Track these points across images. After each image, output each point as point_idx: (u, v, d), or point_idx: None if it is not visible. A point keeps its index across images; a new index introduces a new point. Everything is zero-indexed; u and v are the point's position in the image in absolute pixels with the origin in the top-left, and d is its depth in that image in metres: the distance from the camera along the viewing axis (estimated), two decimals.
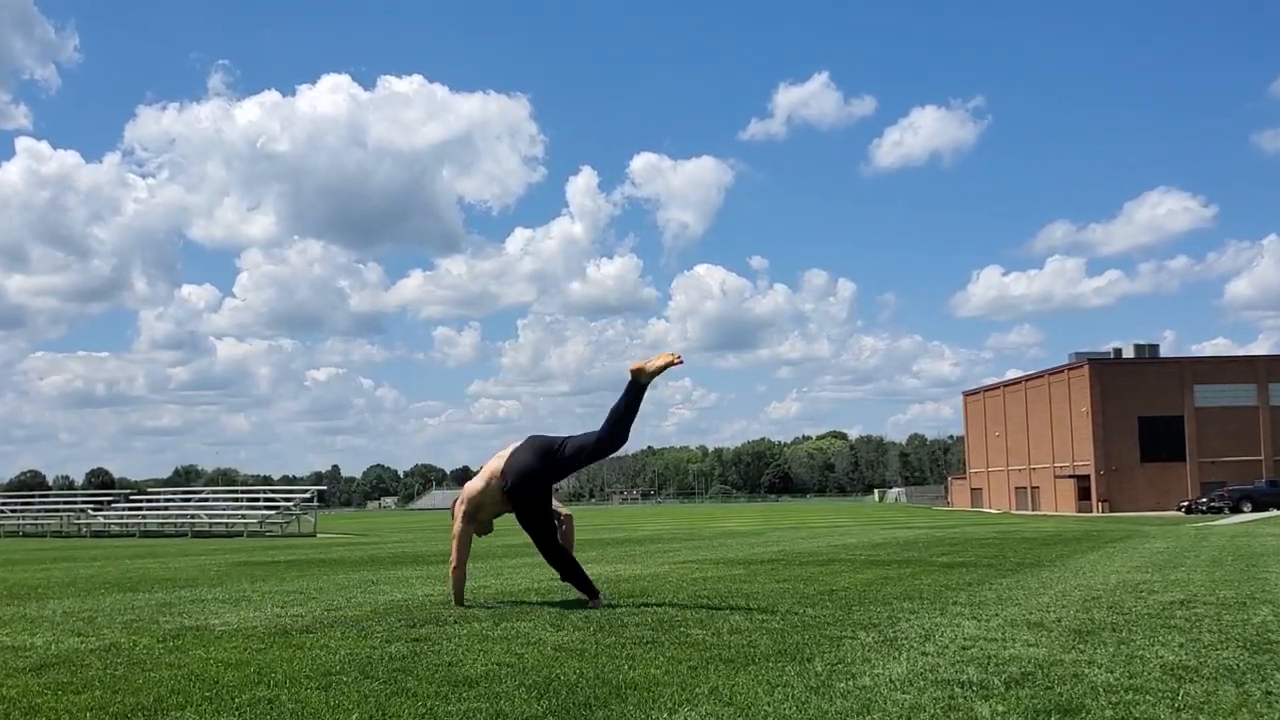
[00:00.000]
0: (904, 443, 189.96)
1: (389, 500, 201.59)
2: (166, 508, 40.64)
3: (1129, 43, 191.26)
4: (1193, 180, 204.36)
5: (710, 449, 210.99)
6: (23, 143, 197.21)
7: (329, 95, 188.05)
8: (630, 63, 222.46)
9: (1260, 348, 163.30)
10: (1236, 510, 50.01)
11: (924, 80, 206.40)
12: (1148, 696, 3.97)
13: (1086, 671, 4.48)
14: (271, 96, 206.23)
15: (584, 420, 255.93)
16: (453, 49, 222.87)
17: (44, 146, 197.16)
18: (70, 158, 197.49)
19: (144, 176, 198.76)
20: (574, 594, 8.21)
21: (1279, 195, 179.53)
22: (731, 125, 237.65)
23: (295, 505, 36.86)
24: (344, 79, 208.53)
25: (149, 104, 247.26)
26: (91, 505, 43.64)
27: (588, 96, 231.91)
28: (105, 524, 39.92)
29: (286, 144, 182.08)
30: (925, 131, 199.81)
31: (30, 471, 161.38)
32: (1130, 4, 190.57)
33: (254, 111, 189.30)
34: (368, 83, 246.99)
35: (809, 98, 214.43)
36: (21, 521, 42.33)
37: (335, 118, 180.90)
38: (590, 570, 11.18)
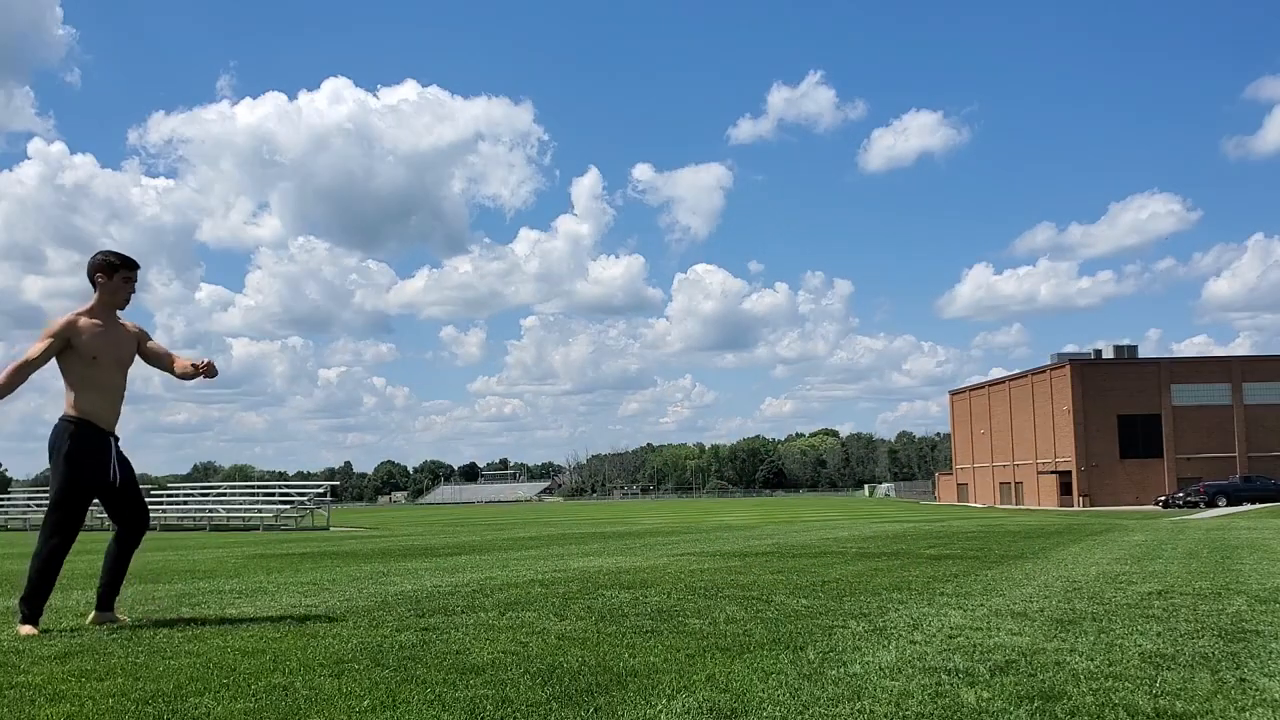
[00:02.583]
0: (893, 440, 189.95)
1: (399, 495, 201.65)
2: (186, 502, 40.61)
3: (1115, 49, 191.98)
4: (1177, 183, 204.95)
5: (707, 446, 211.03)
6: (37, 146, 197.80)
7: (337, 100, 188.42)
8: (635, 68, 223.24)
9: (1241, 346, 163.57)
10: (1212, 505, 50.05)
11: (916, 85, 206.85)
12: (1126, 683, 3.97)
13: (1068, 659, 4.48)
14: (279, 100, 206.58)
15: (585, 417, 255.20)
16: (457, 55, 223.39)
17: (60, 150, 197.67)
18: (85, 161, 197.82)
19: (156, 178, 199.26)
20: (576, 584, 8.20)
21: (1259, 197, 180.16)
22: (734, 125, 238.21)
23: (309, 500, 36.81)
24: (349, 83, 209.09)
25: (161, 108, 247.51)
26: None
27: (592, 100, 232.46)
28: None
29: (296, 147, 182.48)
30: (916, 134, 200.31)
31: None
32: (1116, 12, 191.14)
33: (263, 114, 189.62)
34: (375, 88, 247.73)
35: (804, 96, 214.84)
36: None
37: (344, 121, 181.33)
38: (592, 563, 11.21)
